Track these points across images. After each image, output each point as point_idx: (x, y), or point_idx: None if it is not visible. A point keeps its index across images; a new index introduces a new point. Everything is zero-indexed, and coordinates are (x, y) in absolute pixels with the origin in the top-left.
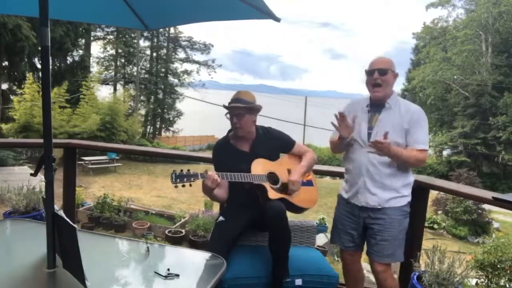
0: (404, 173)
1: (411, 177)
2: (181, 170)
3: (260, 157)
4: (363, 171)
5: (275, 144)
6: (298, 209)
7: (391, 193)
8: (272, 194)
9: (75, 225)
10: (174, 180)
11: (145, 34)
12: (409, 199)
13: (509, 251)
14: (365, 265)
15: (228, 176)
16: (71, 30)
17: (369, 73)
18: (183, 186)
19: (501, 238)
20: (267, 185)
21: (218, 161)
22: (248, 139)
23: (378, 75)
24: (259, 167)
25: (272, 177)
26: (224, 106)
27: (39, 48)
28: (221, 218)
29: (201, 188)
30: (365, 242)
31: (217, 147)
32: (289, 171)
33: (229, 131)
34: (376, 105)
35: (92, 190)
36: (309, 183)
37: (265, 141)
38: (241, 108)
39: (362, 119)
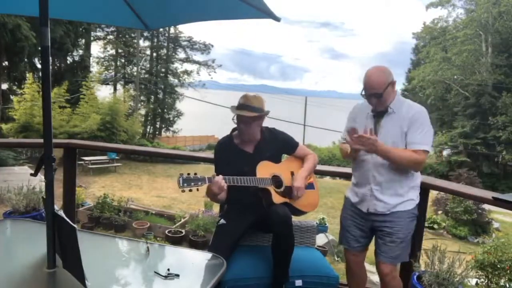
0: (409, 177)
1: (417, 180)
2: (188, 174)
3: (263, 158)
4: (369, 178)
5: (279, 145)
6: (300, 213)
7: (398, 198)
8: (277, 199)
9: (75, 225)
10: (181, 184)
11: (145, 34)
12: (417, 202)
13: (509, 251)
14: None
15: (234, 180)
16: (71, 30)
17: (366, 97)
18: (190, 190)
19: (501, 238)
20: (271, 189)
21: (221, 160)
22: (252, 140)
23: (375, 100)
24: (264, 170)
25: (276, 180)
26: (233, 111)
27: (39, 48)
28: (222, 221)
29: (201, 189)
30: (371, 243)
31: (220, 146)
32: (292, 173)
33: (233, 130)
34: (380, 111)
35: (92, 190)
36: (310, 186)
37: (269, 142)
38: (249, 117)
39: (368, 126)
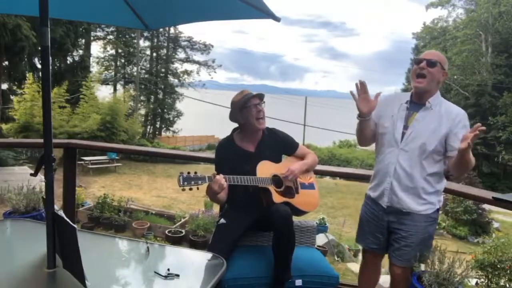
0: (434, 180)
1: (442, 184)
2: (188, 173)
3: (264, 158)
4: (391, 171)
5: (280, 145)
6: (299, 212)
7: (416, 198)
8: (277, 198)
9: (75, 225)
10: (181, 183)
11: (145, 34)
12: (437, 207)
13: (509, 251)
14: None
15: (234, 179)
16: (71, 30)
17: (417, 61)
18: (190, 189)
19: (501, 238)
20: (271, 188)
21: (222, 160)
22: (254, 139)
23: (426, 64)
24: (264, 169)
25: (276, 180)
26: (252, 96)
27: (39, 48)
28: (222, 220)
29: (201, 189)
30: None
31: (221, 146)
32: None
33: (234, 130)
34: (416, 103)
35: (92, 190)
36: (311, 186)
37: (270, 142)
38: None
39: (399, 117)
